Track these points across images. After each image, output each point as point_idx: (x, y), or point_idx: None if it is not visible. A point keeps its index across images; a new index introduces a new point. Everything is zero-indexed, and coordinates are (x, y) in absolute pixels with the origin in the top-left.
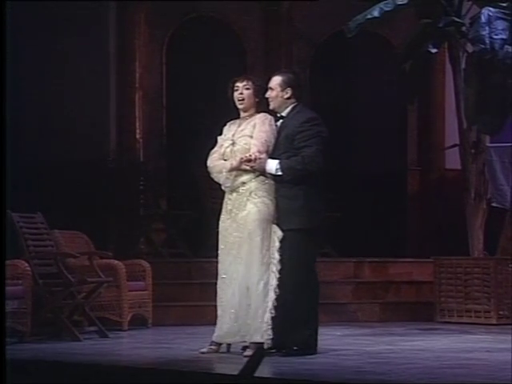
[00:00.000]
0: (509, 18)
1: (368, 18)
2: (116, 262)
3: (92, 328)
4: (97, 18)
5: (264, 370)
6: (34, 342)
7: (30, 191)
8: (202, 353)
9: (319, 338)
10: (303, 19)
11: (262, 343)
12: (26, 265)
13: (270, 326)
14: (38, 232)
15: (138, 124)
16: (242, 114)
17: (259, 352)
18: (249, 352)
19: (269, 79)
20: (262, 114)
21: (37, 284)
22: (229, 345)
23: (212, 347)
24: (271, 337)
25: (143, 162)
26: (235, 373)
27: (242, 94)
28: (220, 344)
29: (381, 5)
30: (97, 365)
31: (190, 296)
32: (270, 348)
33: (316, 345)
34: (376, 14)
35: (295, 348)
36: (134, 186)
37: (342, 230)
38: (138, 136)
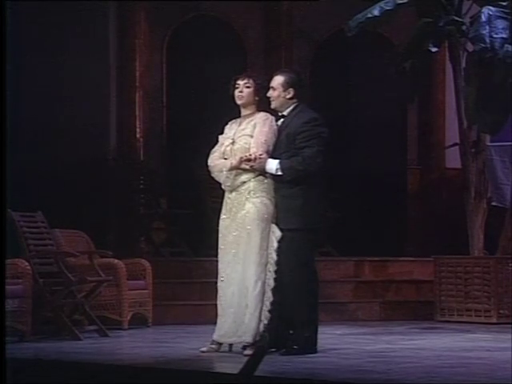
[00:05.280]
0: (509, 16)
1: (368, 17)
2: (116, 261)
3: (92, 327)
4: (97, 18)
5: (264, 369)
6: (34, 341)
7: (31, 190)
8: (203, 352)
9: (319, 337)
10: (303, 18)
11: (263, 343)
12: (27, 264)
13: (266, 326)
14: (39, 231)
15: (138, 123)
16: (243, 112)
17: (259, 351)
18: (249, 351)
19: (271, 78)
20: (262, 114)
21: (37, 283)
22: (231, 344)
23: (212, 346)
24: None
25: (143, 161)
26: (235, 372)
27: (241, 92)
28: (221, 343)
29: (381, 4)
30: (97, 364)
31: (190, 295)
32: (270, 347)
33: (316, 344)
34: (376, 12)
35: (295, 347)
36: (134, 186)
37: (343, 229)
38: (138, 135)
